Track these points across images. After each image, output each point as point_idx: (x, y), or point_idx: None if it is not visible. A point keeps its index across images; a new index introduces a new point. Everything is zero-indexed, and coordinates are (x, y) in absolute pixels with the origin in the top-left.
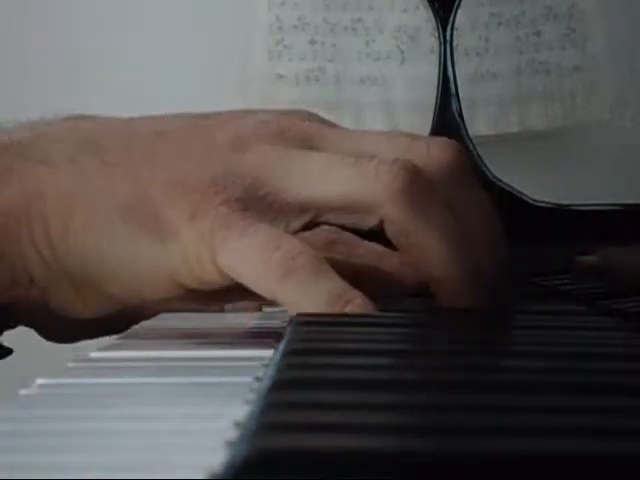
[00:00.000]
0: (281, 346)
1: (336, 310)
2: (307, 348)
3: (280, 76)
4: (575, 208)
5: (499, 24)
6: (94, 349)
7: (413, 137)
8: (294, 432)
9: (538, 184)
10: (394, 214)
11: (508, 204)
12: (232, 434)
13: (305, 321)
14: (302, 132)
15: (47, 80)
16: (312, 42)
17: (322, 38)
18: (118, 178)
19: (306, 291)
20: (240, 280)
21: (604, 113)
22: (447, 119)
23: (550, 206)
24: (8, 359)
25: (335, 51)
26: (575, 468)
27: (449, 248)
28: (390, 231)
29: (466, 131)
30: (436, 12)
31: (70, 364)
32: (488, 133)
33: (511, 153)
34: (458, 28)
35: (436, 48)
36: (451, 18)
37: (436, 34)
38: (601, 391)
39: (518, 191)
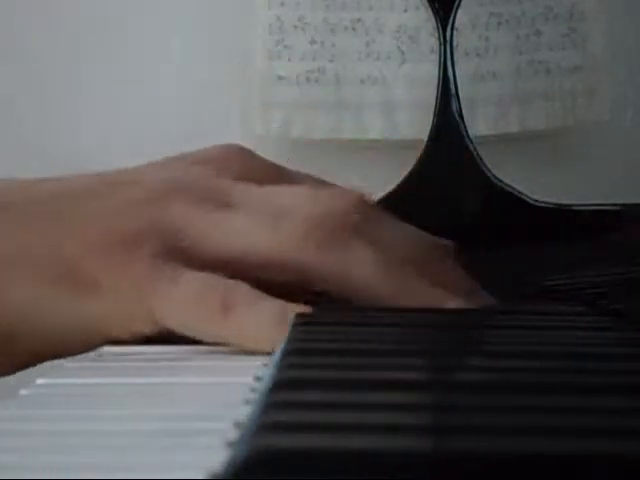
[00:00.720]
0: (281, 346)
1: (283, 329)
2: (307, 348)
3: (280, 76)
4: (575, 208)
5: (499, 24)
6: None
7: (321, 189)
8: (294, 432)
9: (538, 184)
10: (313, 266)
11: (508, 204)
12: (232, 434)
13: (305, 321)
14: (214, 189)
15: (46, 81)
16: (312, 42)
17: (322, 38)
18: (32, 238)
19: (250, 321)
20: (179, 328)
21: (604, 113)
22: (447, 119)
23: (550, 206)
24: None
25: (335, 51)
26: (575, 468)
27: (374, 272)
28: (317, 285)
29: (466, 131)
30: (436, 12)
31: (70, 364)
32: (488, 133)
33: (511, 153)
34: (458, 28)
35: (436, 48)
36: (451, 18)
37: (436, 34)
38: (601, 391)
39: (518, 191)
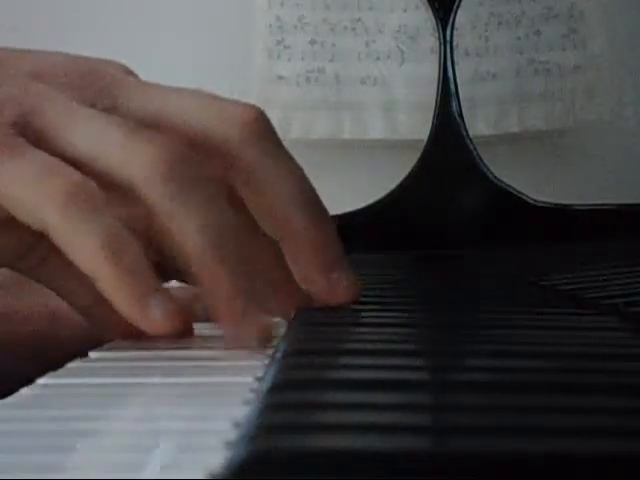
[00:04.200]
0: (281, 346)
1: (108, 253)
2: (307, 348)
3: (280, 76)
4: (575, 208)
5: (499, 24)
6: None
7: (215, 102)
8: (294, 432)
9: (538, 184)
10: (148, 192)
11: (508, 204)
12: (232, 434)
13: (305, 321)
14: (106, 81)
15: None
16: (312, 42)
17: (322, 38)
18: None
19: (84, 224)
20: (8, 205)
21: (604, 113)
22: (447, 119)
23: (550, 206)
24: None
25: (335, 51)
26: (575, 468)
27: (203, 238)
28: (148, 209)
29: (466, 131)
30: (436, 12)
31: (70, 364)
32: (488, 133)
33: (511, 153)
34: (458, 28)
35: (436, 48)
36: (451, 18)
37: (436, 34)
38: (601, 391)
39: (518, 191)
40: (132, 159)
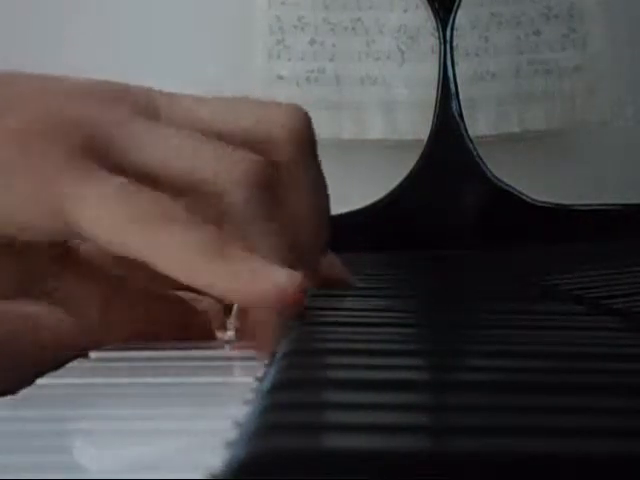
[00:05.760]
0: (281, 346)
1: (212, 258)
2: (307, 348)
3: (280, 76)
4: (575, 208)
5: (499, 24)
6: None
7: (261, 109)
8: (294, 432)
9: (538, 184)
10: (238, 202)
11: (508, 204)
12: (232, 434)
13: (305, 321)
14: (146, 97)
15: None
16: (312, 42)
17: (322, 38)
18: None
19: (181, 239)
20: (84, 229)
21: (604, 113)
22: (447, 119)
23: (550, 206)
24: None
25: (335, 51)
26: (575, 468)
27: (276, 249)
28: (231, 217)
29: (466, 131)
30: (436, 12)
31: (70, 364)
32: (488, 133)
33: (511, 153)
34: (458, 28)
35: (436, 48)
36: (451, 18)
37: (436, 34)
38: (601, 391)
39: (518, 191)
40: (222, 174)
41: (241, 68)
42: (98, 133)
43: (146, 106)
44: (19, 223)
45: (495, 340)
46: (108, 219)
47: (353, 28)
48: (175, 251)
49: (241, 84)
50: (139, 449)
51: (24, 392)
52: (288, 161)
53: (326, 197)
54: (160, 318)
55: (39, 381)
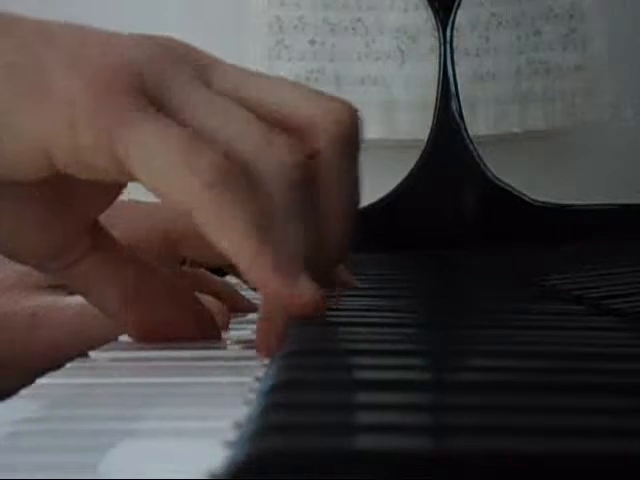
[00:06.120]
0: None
1: (254, 238)
2: (307, 348)
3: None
4: (575, 208)
5: (499, 24)
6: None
7: (316, 97)
8: (294, 432)
9: (538, 184)
10: (275, 195)
11: (508, 204)
12: (232, 434)
13: (305, 322)
14: (205, 62)
15: None
16: (312, 42)
17: (322, 38)
18: (8, 47)
19: (234, 208)
20: (145, 178)
21: (604, 113)
22: (447, 119)
23: (550, 206)
24: None
25: (335, 51)
26: (575, 468)
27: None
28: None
29: (466, 131)
30: (436, 12)
31: (70, 364)
32: (488, 133)
33: (511, 153)
34: (458, 28)
35: (436, 48)
36: (451, 18)
37: (436, 34)
38: (601, 391)
39: (518, 191)
40: (266, 156)
41: None
42: (161, 83)
43: (203, 71)
44: (79, 161)
45: (495, 340)
46: (169, 171)
47: (353, 28)
48: (231, 228)
49: None
50: (139, 449)
51: (24, 392)
52: (325, 156)
53: (357, 201)
54: (176, 317)
55: (39, 381)
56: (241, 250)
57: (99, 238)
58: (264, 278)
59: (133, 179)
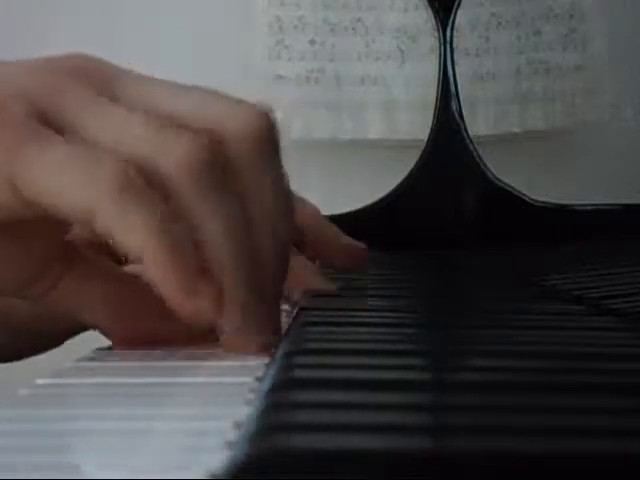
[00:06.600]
0: (281, 346)
1: (161, 237)
2: (307, 348)
3: (280, 76)
4: (575, 208)
5: (499, 24)
6: (94, 349)
7: (223, 102)
8: (294, 432)
9: (538, 184)
10: (181, 189)
11: (508, 204)
12: (232, 434)
13: (305, 321)
14: (102, 74)
15: None
16: (312, 42)
17: (322, 38)
18: None
19: (136, 207)
20: (47, 198)
21: (604, 113)
22: (447, 119)
23: (550, 206)
24: None
25: (335, 51)
26: (575, 468)
27: (226, 239)
28: (173, 204)
29: (466, 131)
30: (436, 12)
31: (70, 364)
32: (488, 133)
33: (511, 153)
34: (458, 28)
35: (436, 48)
36: (451, 18)
37: (436, 34)
38: (601, 391)
39: (518, 191)
40: (165, 153)
41: (241, 68)
42: (53, 103)
43: (106, 87)
44: None
45: (495, 340)
46: (70, 186)
47: (353, 28)
48: (137, 231)
49: (241, 84)
50: (139, 449)
51: (24, 392)
52: (241, 159)
53: (285, 199)
54: (164, 328)
55: (39, 381)
56: (145, 251)
57: (73, 257)
58: (162, 278)
59: (39, 211)
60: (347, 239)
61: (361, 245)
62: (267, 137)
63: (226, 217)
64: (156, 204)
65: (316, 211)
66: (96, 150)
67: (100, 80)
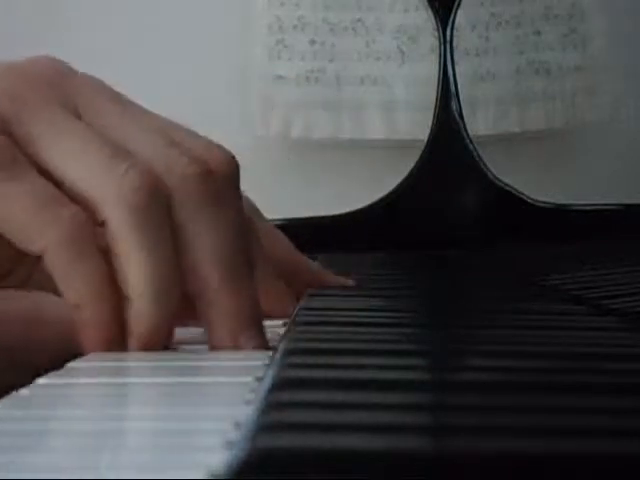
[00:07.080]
0: (281, 346)
1: (95, 295)
2: (307, 348)
3: (280, 76)
4: (575, 208)
5: (499, 24)
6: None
7: (184, 137)
8: (294, 432)
9: (538, 184)
10: (113, 217)
11: (508, 204)
12: (232, 434)
13: (305, 321)
14: (67, 84)
15: None
16: (312, 42)
17: (322, 38)
18: None
19: (80, 261)
20: (3, 226)
21: (604, 113)
22: (447, 119)
23: (550, 206)
24: None
25: (335, 51)
26: (575, 468)
27: (146, 275)
28: (107, 233)
29: (466, 131)
30: (436, 12)
31: (70, 364)
32: (488, 133)
33: (511, 153)
34: (458, 28)
35: (436, 48)
36: (451, 18)
37: (436, 34)
38: (601, 391)
39: (518, 191)
40: (111, 185)
41: (241, 68)
42: (14, 113)
43: (70, 99)
44: None
45: (495, 340)
46: (26, 221)
47: (353, 28)
48: (74, 273)
49: (241, 84)
50: (139, 449)
51: (24, 392)
52: (183, 196)
53: (235, 237)
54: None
55: (39, 381)
56: (82, 307)
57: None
58: (86, 336)
59: None
60: (318, 267)
61: (331, 275)
62: (209, 179)
63: (152, 260)
64: (98, 263)
65: (286, 243)
66: (54, 191)
67: (64, 94)
